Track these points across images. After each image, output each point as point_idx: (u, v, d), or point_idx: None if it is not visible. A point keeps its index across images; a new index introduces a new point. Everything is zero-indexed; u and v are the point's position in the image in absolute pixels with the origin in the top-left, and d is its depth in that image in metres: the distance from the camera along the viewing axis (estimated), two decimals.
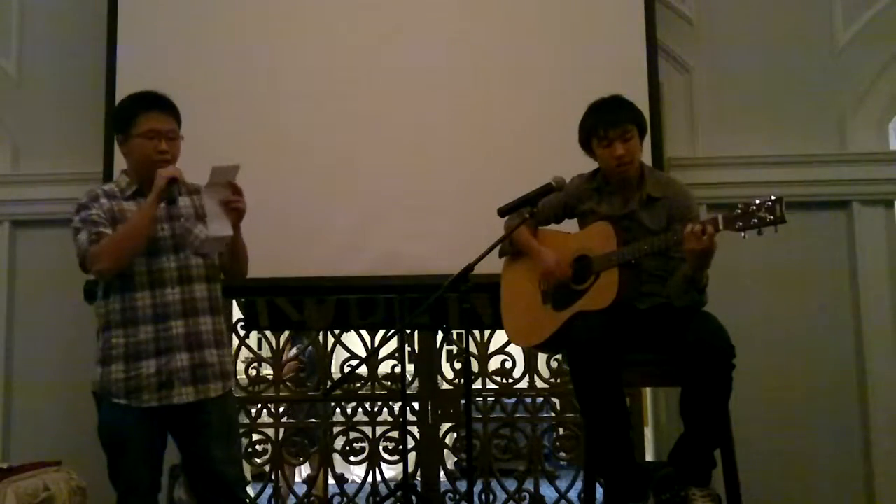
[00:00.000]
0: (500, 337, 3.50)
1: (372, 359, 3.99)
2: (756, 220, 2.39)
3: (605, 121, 2.74)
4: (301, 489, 4.19)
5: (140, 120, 2.57)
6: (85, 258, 2.53)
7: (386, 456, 3.98)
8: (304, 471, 5.03)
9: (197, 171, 2.63)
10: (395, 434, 3.96)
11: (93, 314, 2.66)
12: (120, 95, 3.75)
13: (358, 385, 4.05)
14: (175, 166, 2.56)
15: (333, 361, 4.15)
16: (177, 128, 2.64)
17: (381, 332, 3.94)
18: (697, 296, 2.66)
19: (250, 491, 3.80)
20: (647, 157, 3.08)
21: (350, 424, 4.03)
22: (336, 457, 4.05)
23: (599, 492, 2.91)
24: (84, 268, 2.57)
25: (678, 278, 2.63)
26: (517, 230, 2.85)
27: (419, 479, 3.94)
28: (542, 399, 4.00)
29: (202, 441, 2.58)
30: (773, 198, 2.38)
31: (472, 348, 3.91)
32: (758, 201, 2.40)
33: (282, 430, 4.00)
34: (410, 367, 3.90)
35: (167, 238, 2.58)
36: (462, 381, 3.87)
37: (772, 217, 2.37)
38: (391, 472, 4.13)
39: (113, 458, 2.55)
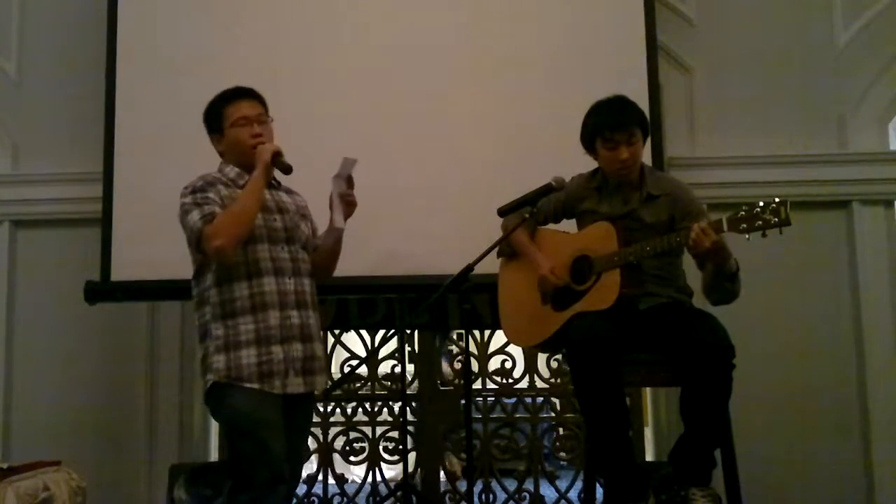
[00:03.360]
0: (500, 337, 3.49)
1: (372, 359, 3.99)
2: (761, 223, 2.35)
3: (612, 123, 2.70)
4: (301, 489, 4.19)
5: (228, 112, 2.63)
6: (200, 237, 2.46)
7: (386, 456, 3.97)
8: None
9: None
10: (395, 434, 3.96)
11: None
12: (120, 95, 3.79)
13: (358, 385, 4.05)
14: (274, 143, 2.58)
15: (333, 361, 4.15)
16: (264, 111, 2.68)
17: (381, 332, 3.94)
18: (731, 285, 2.61)
19: None
20: (647, 157, 3.07)
21: (350, 424, 4.03)
22: (336, 457, 4.05)
23: (599, 492, 2.91)
24: (198, 247, 2.50)
25: (706, 276, 2.62)
26: (515, 232, 2.84)
27: (419, 479, 3.94)
28: (542, 399, 4.00)
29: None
30: (777, 200, 2.34)
31: (472, 348, 3.91)
32: (762, 203, 2.36)
33: None
34: (410, 367, 3.90)
35: (280, 230, 2.61)
36: (462, 381, 3.87)
37: (776, 219, 2.33)
38: (391, 472, 4.13)
39: (250, 446, 2.44)
